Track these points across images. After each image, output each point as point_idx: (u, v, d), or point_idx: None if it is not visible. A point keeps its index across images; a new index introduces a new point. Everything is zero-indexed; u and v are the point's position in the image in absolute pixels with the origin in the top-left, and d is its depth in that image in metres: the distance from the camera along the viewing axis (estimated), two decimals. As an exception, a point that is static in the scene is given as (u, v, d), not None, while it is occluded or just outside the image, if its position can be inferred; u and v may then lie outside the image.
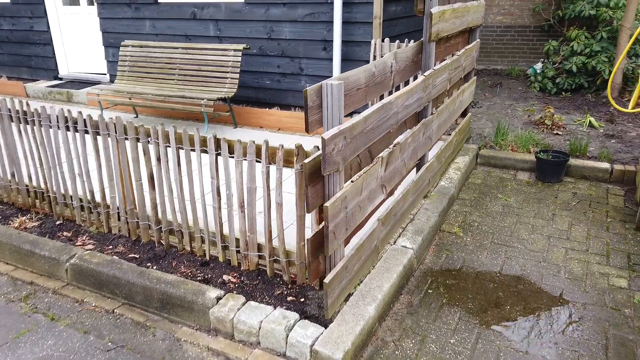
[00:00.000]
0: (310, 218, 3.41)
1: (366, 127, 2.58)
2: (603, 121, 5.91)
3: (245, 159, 2.75)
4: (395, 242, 3.27)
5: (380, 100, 3.38)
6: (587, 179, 4.50)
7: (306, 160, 2.25)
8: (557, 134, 5.44)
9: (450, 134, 4.71)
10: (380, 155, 2.86)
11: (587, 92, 7.11)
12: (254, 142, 2.68)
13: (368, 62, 5.42)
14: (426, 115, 3.64)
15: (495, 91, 7.50)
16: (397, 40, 5.22)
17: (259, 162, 2.72)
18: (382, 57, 5.32)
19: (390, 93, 4.82)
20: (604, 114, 6.26)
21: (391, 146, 3.00)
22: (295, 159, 2.58)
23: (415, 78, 4.52)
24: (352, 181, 2.54)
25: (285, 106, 6.15)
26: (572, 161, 4.54)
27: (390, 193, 3.16)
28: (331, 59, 5.62)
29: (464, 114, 5.05)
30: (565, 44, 7.35)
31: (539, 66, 7.89)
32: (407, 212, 3.50)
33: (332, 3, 5.40)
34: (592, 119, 5.74)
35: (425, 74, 3.40)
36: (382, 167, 2.85)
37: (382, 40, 5.29)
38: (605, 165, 4.47)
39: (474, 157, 4.90)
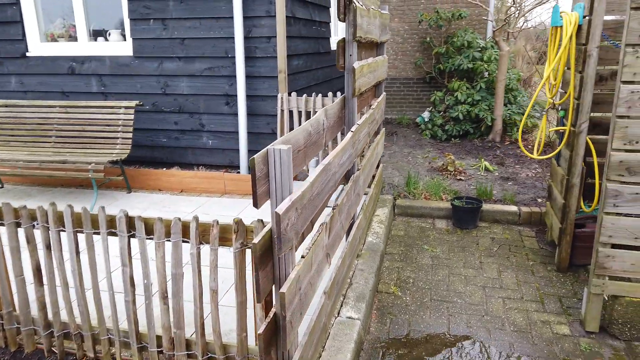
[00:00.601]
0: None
1: (313, 194, 2.29)
2: (495, 164, 6.33)
3: (169, 240, 2.28)
4: (339, 312, 2.96)
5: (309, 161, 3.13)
6: (499, 222, 4.67)
7: (256, 239, 1.87)
8: (460, 179, 5.67)
9: (370, 187, 4.62)
10: (323, 221, 2.58)
11: (473, 137, 7.66)
12: (179, 219, 2.23)
13: (275, 116, 5.22)
14: (354, 172, 3.47)
15: (392, 140, 7.75)
16: (305, 95, 5.10)
17: (187, 242, 2.27)
18: (290, 111, 5.17)
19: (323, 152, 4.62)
20: (492, 157, 6.74)
21: (331, 209, 2.73)
22: (234, 236, 2.18)
23: (343, 134, 4.39)
24: (302, 257, 2.20)
25: (187, 165, 5.64)
26: (484, 206, 4.69)
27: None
28: (236, 114, 5.31)
29: (377, 166, 5.02)
30: (450, 94, 7.91)
31: (426, 115, 8.39)
32: (346, 276, 3.23)
33: (233, 57, 5.15)
34: (486, 163, 6.11)
35: (353, 129, 3.25)
36: (326, 235, 2.57)
37: (289, 94, 5.14)
38: (513, 208, 4.68)
39: (392, 208, 4.84)
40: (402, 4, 9.13)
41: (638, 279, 2.86)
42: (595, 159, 3.68)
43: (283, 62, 5.09)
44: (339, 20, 3.20)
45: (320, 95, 5.09)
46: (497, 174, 5.93)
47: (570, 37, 3.42)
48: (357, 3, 3.25)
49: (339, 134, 4.66)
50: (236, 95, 5.25)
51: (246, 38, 5.09)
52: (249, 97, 5.25)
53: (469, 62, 7.70)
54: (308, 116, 5.26)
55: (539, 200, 4.99)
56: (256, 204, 1.91)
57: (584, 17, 3.39)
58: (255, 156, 1.87)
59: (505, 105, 7.64)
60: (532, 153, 4.58)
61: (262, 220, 2.15)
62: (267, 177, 1.98)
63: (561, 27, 3.54)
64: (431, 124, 7.90)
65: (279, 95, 5.06)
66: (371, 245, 3.88)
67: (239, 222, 2.16)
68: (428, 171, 5.98)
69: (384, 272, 3.77)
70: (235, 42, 5.03)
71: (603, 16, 3.24)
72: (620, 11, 3.53)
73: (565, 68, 3.66)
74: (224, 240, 2.24)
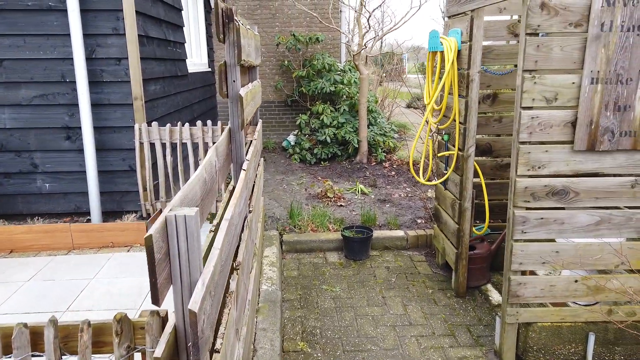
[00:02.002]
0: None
1: (222, 262, 1.75)
2: (368, 186, 6.32)
3: (9, 358, 1.53)
4: (249, 395, 2.42)
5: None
6: (389, 249, 4.55)
7: (159, 351, 1.28)
8: (341, 205, 5.49)
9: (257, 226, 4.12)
10: (230, 290, 2.04)
11: (341, 159, 7.65)
12: (24, 325, 1.50)
13: (133, 149, 4.42)
14: (247, 215, 2.96)
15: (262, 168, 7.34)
16: (168, 124, 4.42)
17: (40, 356, 1.54)
18: (151, 143, 4.42)
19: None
20: (364, 178, 6.76)
21: (235, 271, 2.21)
22: (116, 340, 1.53)
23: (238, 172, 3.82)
24: (216, 351, 1.65)
25: (16, 216, 4.48)
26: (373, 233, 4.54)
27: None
28: (81, 150, 4.37)
29: (257, 200, 4.55)
30: (315, 117, 7.82)
31: (292, 138, 8.18)
32: (250, 343, 2.69)
33: (73, 82, 4.24)
34: (362, 186, 6.06)
35: (244, 167, 2.76)
36: (235, 307, 2.03)
37: (149, 124, 4.40)
38: (400, 233, 4.61)
39: (280, 245, 4.41)
40: (255, 25, 8.86)
41: (549, 303, 2.87)
42: (482, 180, 3.74)
43: (139, 87, 4.35)
44: (219, 41, 2.70)
45: (187, 124, 4.46)
46: (373, 196, 5.91)
47: (452, 62, 3.42)
48: (238, 22, 2.79)
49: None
50: (80, 128, 4.33)
51: (89, 59, 4.24)
52: (97, 129, 4.37)
53: (331, 85, 7.71)
54: (174, 149, 4.58)
55: (419, 221, 5.03)
56: (157, 300, 1.31)
57: (462, 42, 3.42)
58: (151, 231, 1.29)
59: (368, 126, 7.80)
60: (416, 175, 4.56)
61: (157, 313, 1.55)
62: (168, 256, 1.40)
63: (440, 52, 3.54)
64: (299, 148, 7.70)
65: (137, 126, 4.29)
66: (268, 295, 3.39)
67: (122, 320, 1.52)
68: (307, 199, 5.70)
69: (286, 325, 3.31)
70: (75, 64, 4.14)
71: (482, 42, 3.30)
72: (492, 37, 3.67)
73: (441, 93, 3.67)
74: (100, 346, 1.57)
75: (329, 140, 7.37)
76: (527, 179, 2.66)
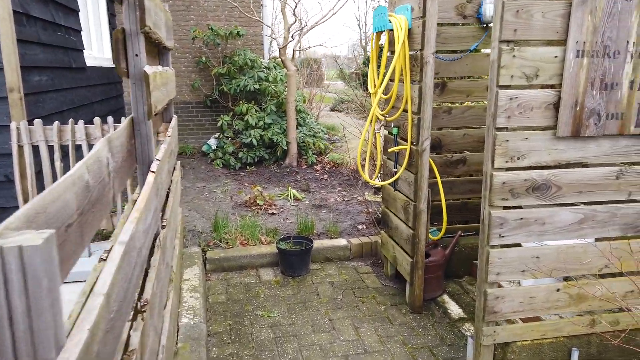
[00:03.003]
0: None
1: (110, 316, 1.08)
2: (301, 191, 5.77)
3: None
4: None
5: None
6: (331, 260, 4.01)
7: None
8: (273, 213, 4.88)
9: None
10: (130, 347, 1.37)
11: (269, 163, 7.03)
12: None
13: (9, 155, 3.50)
14: (159, 232, 2.27)
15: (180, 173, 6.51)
16: (57, 122, 3.55)
17: None
18: (34, 146, 3.52)
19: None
20: (295, 183, 6.19)
21: (140, 314, 1.53)
22: None
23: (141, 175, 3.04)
24: None
25: None
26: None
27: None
28: (-64, 157, 3.38)
29: (174, 211, 3.81)
30: (238, 117, 7.13)
31: (213, 142, 7.43)
32: (167, 406, 2.00)
33: None
34: (294, 191, 5.49)
35: (154, 168, 2.07)
36: (139, 373, 1.36)
37: (30, 122, 3.51)
38: (343, 242, 4.09)
39: (203, 265, 3.70)
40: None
41: (528, 318, 2.46)
42: (438, 178, 3.33)
43: (16, 77, 3.45)
44: (115, 1, 2.00)
45: (81, 122, 3.62)
46: (307, 202, 5.36)
47: (403, 42, 2.96)
48: (139, -25, 2.10)
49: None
50: None
51: (-55, 38, 3.28)
52: (-42, 129, 3.41)
53: (255, 83, 7.07)
54: (67, 154, 3.71)
55: (360, 227, 4.55)
56: None
57: (414, 19, 2.98)
58: None
59: (297, 127, 7.25)
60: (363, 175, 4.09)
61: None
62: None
63: (389, 31, 3.08)
64: (221, 152, 6.97)
65: (13, 125, 3.39)
66: (189, 330, 2.70)
67: None
68: (234, 208, 5.01)
69: (215, 367, 2.63)
70: None
71: (436, 18, 2.87)
72: (439, 19, 3.26)
73: (390, 80, 3.20)
74: None
75: (255, 142, 6.72)
76: (505, 172, 2.23)
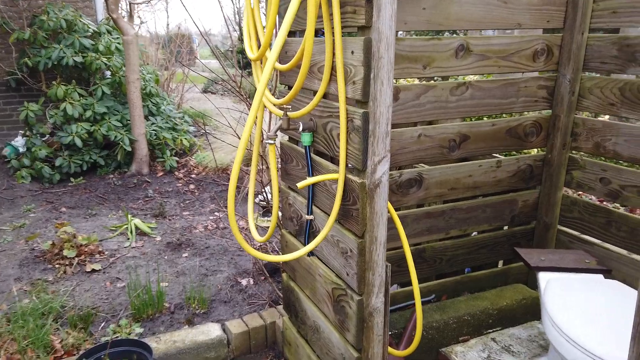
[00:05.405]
0: None
1: None
2: (151, 218, 3.83)
3: None
4: None
5: None
6: (194, 372, 2.21)
7: None
8: (94, 270, 2.90)
9: None
10: None
11: (107, 171, 4.89)
12: None
13: None
14: None
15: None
16: None
17: None
18: None
19: None
20: (144, 202, 4.22)
21: None
22: None
23: None
24: None
25: None
26: (159, 346, 2.15)
27: None
28: None
29: None
30: (54, 106, 4.85)
31: (20, 142, 5.05)
32: None
33: None
34: (137, 221, 3.53)
35: None
36: None
37: None
38: (214, 329, 2.30)
39: None
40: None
41: None
42: (401, 231, 1.70)
43: None
44: None
45: None
46: (159, 237, 3.46)
47: None
48: None
49: None
50: None
51: None
52: None
53: (75, 53, 4.82)
54: None
55: (244, 282, 2.82)
56: None
57: None
58: None
59: (147, 118, 5.19)
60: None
61: None
62: None
63: None
64: (30, 158, 4.68)
65: None
66: None
67: None
68: (27, 265, 2.94)
69: None
70: None
71: None
72: None
73: (291, 33, 1.49)
74: None
75: (79, 143, 4.55)
76: None
